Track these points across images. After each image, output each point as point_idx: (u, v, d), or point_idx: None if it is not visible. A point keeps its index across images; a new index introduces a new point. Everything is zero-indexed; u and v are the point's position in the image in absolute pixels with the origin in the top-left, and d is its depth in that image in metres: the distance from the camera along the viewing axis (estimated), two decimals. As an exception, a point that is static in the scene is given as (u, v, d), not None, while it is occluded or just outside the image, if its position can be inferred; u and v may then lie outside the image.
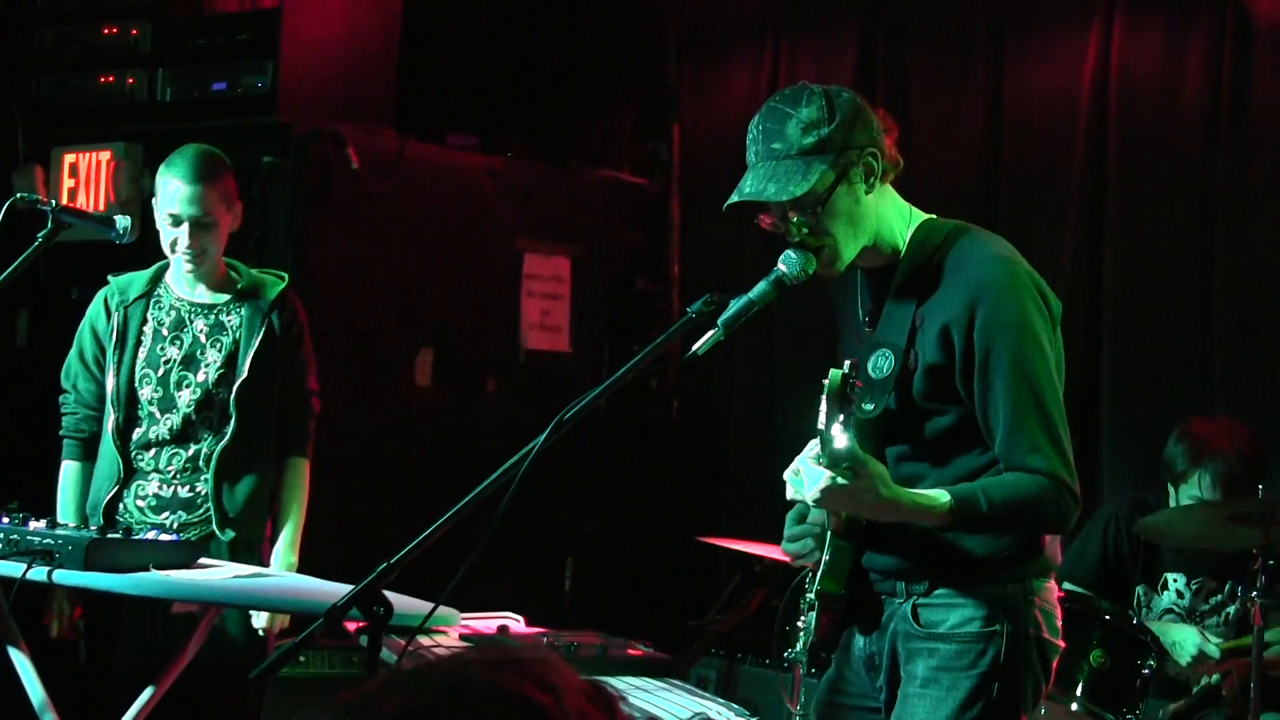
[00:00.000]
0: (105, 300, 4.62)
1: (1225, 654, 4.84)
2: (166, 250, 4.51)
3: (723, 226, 6.86)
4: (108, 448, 4.53)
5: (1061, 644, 3.22)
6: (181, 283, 4.59)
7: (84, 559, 3.70)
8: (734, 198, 3.11)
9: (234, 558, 4.39)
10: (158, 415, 4.52)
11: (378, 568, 2.89)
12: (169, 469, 4.52)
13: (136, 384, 4.53)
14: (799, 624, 3.27)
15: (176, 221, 4.45)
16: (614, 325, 6.94)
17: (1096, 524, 5.09)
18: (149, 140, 5.97)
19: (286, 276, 4.66)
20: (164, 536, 3.97)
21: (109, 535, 3.81)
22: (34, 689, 4.17)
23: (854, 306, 3.29)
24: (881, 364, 3.12)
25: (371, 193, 5.98)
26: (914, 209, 3.24)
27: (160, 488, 4.52)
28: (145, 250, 4.78)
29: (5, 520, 3.89)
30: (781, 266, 3.10)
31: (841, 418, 2.92)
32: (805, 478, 3.00)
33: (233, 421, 4.48)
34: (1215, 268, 5.84)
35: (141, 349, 4.55)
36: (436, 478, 5.99)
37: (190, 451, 4.51)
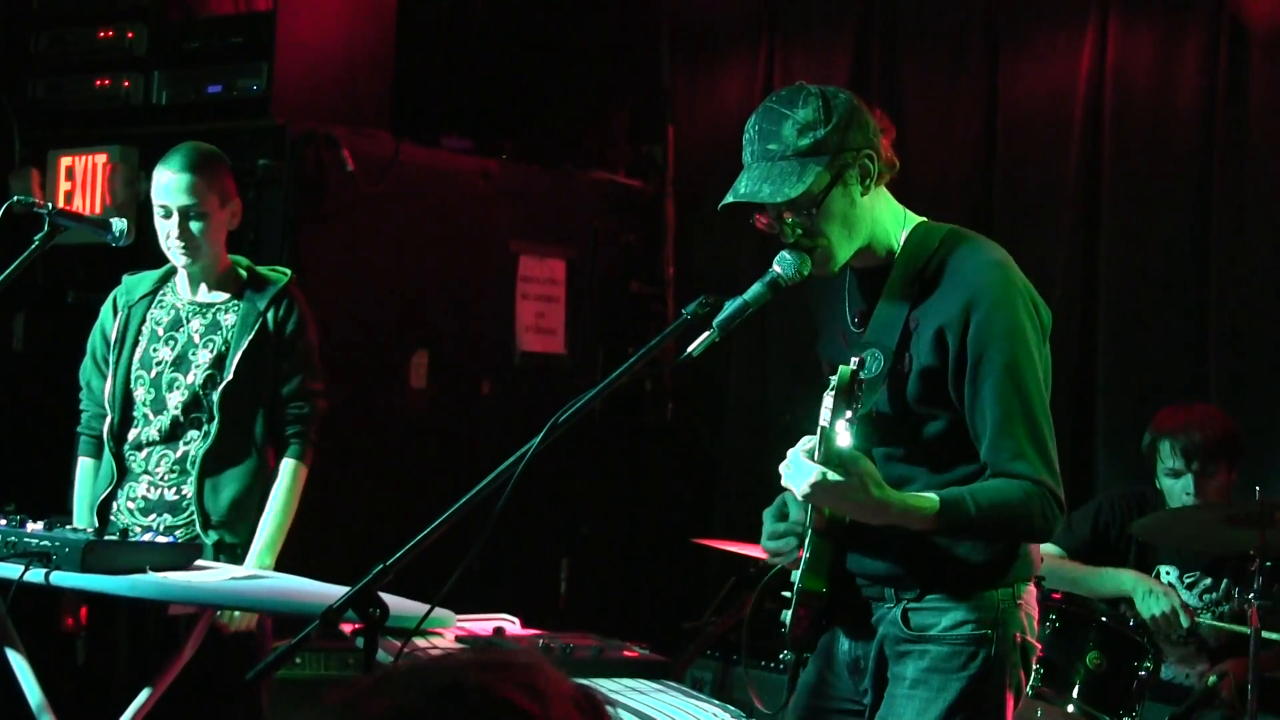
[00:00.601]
0: (114, 299, 4.61)
1: (1213, 642, 4.89)
2: (164, 248, 4.47)
3: (718, 228, 6.86)
4: (105, 448, 4.51)
5: (1039, 645, 3.24)
6: (186, 283, 4.55)
7: (81, 561, 3.70)
8: (729, 198, 3.10)
9: (218, 561, 4.31)
10: (150, 416, 4.48)
11: (374, 570, 2.88)
12: (158, 471, 4.46)
13: (131, 385, 4.51)
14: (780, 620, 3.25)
15: (167, 213, 4.41)
16: (609, 327, 6.93)
17: (1090, 505, 5.17)
18: (144, 143, 5.97)
19: (289, 273, 4.58)
20: (160, 538, 3.95)
21: (106, 537, 3.80)
22: (32, 690, 4.17)
23: (841, 306, 3.28)
24: (870, 364, 3.12)
25: (366, 195, 5.97)
26: (908, 211, 3.24)
27: (149, 490, 4.46)
28: (142, 253, 4.77)
29: (3, 522, 3.89)
30: (776, 268, 3.09)
31: (847, 415, 2.92)
32: (795, 471, 2.99)
33: (216, 423, 4.41)
34: (1210, 268, 5.85)
35: (138, 349, 4.52)
36: (432, 480, 6.00)
37: (178, 453, 4.45)
